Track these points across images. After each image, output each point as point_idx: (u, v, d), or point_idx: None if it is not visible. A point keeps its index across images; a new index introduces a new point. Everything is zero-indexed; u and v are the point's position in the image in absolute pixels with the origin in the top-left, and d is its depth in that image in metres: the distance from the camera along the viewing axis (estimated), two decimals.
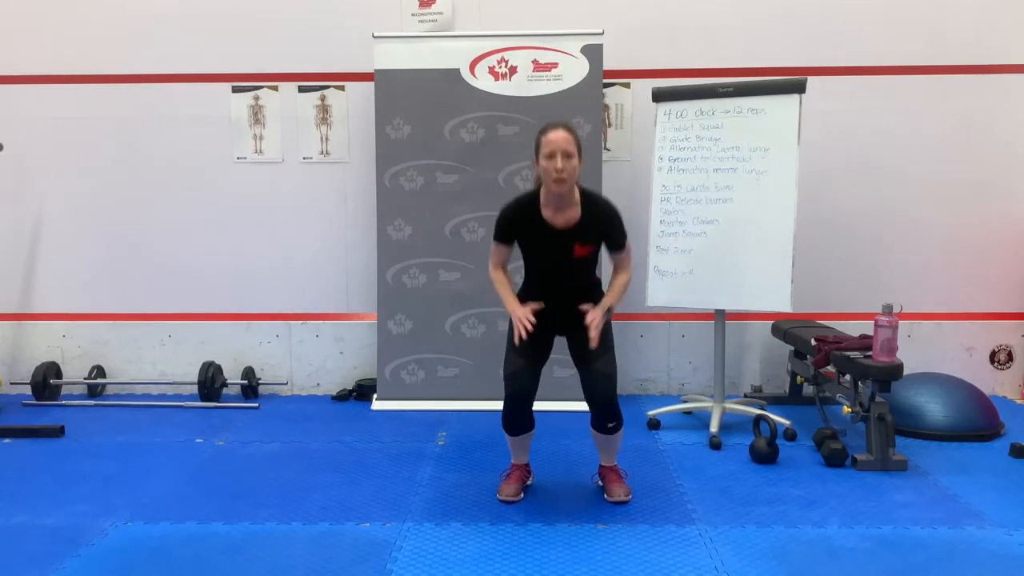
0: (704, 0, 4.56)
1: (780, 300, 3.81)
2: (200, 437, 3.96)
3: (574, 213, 2.97)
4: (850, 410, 3.65)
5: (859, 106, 4.59)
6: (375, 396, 4.56)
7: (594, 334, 2.89)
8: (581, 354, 3.04)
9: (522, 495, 3.17)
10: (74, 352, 4.79)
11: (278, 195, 4.72)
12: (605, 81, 4.46)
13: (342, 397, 4.66)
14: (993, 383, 4.71)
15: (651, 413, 4.11)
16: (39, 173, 4.72)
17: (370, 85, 4.48)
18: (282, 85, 4.66)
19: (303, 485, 3.32)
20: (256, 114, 4.68)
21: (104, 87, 4.66)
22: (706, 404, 4.13)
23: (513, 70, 4.39)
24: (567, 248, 2.98)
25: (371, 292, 4.62)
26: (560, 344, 3.13)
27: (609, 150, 4.62)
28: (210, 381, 4.51)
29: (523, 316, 2.91)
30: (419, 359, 4.52)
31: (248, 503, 3.14)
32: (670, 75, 4.49)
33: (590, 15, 4.52)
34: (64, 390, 4.67)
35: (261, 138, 4.70)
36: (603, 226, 3.00)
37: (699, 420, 4.20)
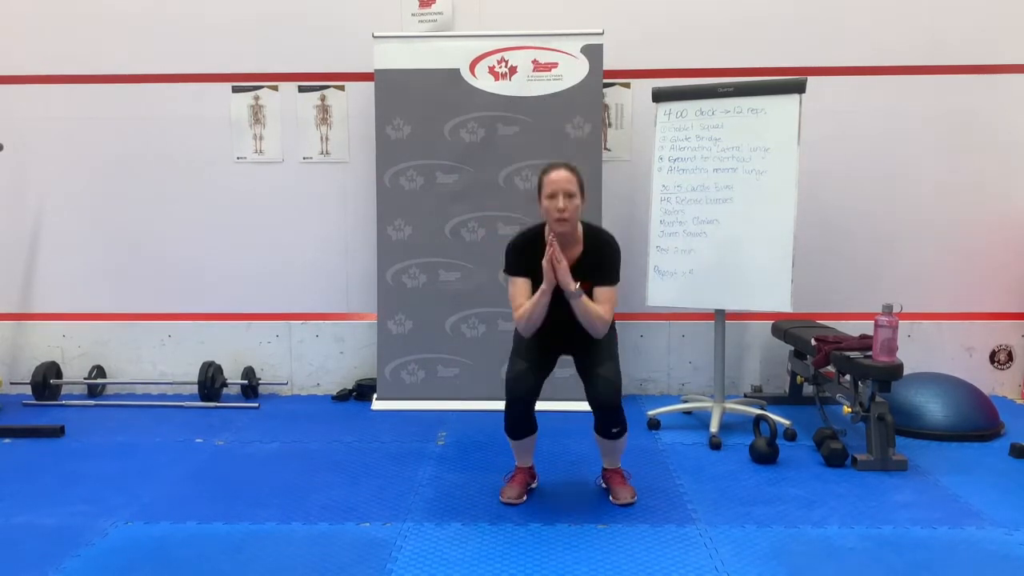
0: (704, 0, 4.57)
1: (780, 300, 3.81)
2: (200, 437, 3.96)
3: (577, 250, 3.04)
4: (850, 410, 3.65)
5: (859, 106, 4.59)
6: (375, 396, 4.56)
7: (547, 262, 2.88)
8: (585, 366, 3.07)
9: (525, 498, 3.16)
10: (74, 352, 4.79)
11: (278, 195, 4.72)
12: (605, 81, 4.46)
13: (342, 397, 4.66)
14: (993, 383, 4.71)
15: (651, 413, 4.11)
16: (39, 173, 4.72)
17: (370, 85, 4.48)
18: (282, 85, 4.66)
19: (303, 485, 3.32)
20: (256, 114, 4.68)
21: (104, 87, 4.66)
22: (706, 404, 4.13)
23: (513, 70, 4.39)
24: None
25: (371, 292, 4.62)
26: None
27: (609, 150, 4.62)
28: (210, 381, 4.51)
29: (550, 252, 2.89)
30: (419, 359, 4.52)
31: (248, 503, 3.14)
32: (670, 75, 4.49)
33: (590, 15, 4.52)
34: (64, 390, 4.67)
35: (261, 138, 4.70)
36: (601, 259, 3.04)
37: (699, 420, 4.20)
